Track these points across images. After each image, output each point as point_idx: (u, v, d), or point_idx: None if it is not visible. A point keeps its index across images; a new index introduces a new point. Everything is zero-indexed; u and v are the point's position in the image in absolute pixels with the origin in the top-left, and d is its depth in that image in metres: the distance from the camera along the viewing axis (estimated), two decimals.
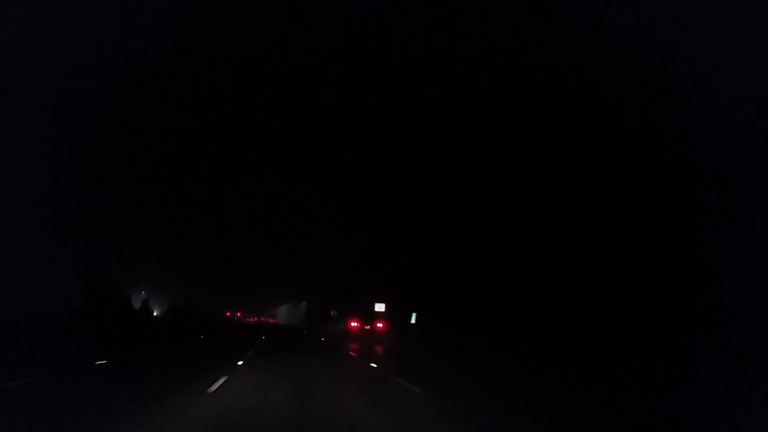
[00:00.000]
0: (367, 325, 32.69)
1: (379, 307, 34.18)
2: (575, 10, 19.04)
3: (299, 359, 19.14)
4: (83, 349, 18.86)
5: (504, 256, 26.44)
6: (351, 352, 23.73)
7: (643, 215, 18.69)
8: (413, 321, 32.80)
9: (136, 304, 53.96)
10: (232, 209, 58.20)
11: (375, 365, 17.74)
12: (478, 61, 22.96)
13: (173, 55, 25.71)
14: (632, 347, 16.23)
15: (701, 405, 10.04)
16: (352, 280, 50.17)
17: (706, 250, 16.04)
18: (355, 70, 27.58)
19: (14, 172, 29.11)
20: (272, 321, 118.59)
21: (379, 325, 32.82)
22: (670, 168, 17.59)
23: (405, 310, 35.17)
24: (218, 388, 10.92)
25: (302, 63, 27.98)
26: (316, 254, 62.29)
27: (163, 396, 9.98)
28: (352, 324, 33.84)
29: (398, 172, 34.73)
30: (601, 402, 10.89)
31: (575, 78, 19.80)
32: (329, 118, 33.70)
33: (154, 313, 59.70)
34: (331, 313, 35.78)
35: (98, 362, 15.27)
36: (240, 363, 16.51)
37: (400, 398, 10.74)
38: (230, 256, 79.78)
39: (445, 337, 26.84)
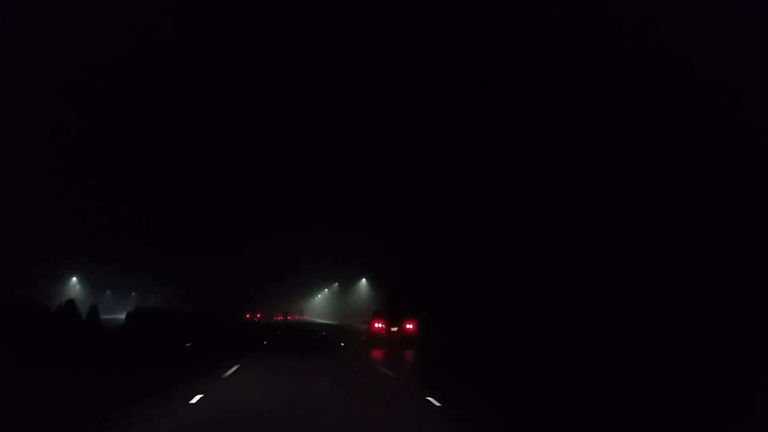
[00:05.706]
0: (395, 327, 28.04)
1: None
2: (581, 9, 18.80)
3: None
4: None
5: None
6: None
7: (645, 217, 18.54)
8: None
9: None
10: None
11: None
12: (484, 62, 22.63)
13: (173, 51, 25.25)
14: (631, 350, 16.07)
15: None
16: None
17: (707, 253, 15.89)
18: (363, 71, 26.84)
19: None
20: (298, 318, 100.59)
21: (409, 326, 27.95)
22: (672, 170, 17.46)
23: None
24: None
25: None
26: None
27: None
28: (376, 325, 28.60)
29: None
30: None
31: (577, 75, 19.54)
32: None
33: None
34: None
35: None
36: None
37: None
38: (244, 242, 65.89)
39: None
